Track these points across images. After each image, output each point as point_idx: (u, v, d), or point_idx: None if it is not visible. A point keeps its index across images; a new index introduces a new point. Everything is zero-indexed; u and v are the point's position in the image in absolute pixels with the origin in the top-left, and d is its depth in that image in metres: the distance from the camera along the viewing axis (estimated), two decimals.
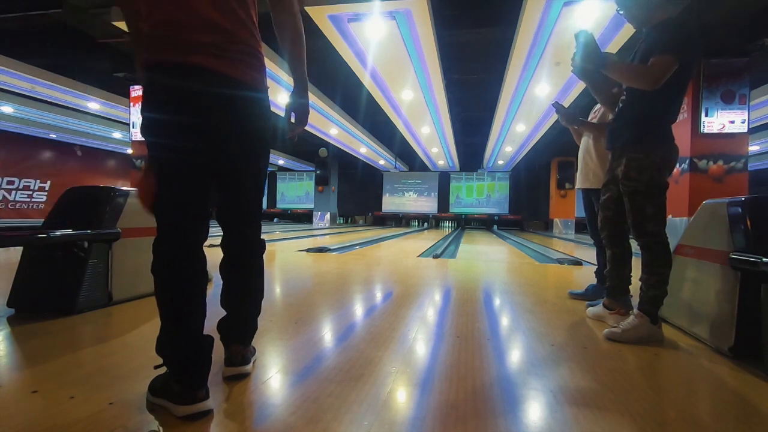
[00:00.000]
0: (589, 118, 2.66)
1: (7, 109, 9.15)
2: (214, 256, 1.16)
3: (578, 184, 2.68)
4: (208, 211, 1.12)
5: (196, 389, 1.01)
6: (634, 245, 1.99)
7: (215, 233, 1.18)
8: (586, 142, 2.61)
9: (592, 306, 2.21)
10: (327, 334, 1.77)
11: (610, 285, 2.08)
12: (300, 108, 1.31)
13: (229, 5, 1.08)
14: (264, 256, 1.32)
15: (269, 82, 1.26)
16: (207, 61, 1.04)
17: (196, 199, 1.08)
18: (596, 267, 2.64)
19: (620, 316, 1.93)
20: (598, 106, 2.58)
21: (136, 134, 7.22)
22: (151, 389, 1.09)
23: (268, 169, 1.33)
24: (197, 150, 1.06)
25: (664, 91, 1.62)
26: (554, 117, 7.47)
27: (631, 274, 2.26)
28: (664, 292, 1.74)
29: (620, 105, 1.85)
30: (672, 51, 1.56)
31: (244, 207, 1.23)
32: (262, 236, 1.31)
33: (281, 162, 17.38)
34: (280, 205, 19.16)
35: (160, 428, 0.97)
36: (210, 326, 1.17)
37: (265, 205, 19.17)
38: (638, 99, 1.73)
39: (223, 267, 1.28)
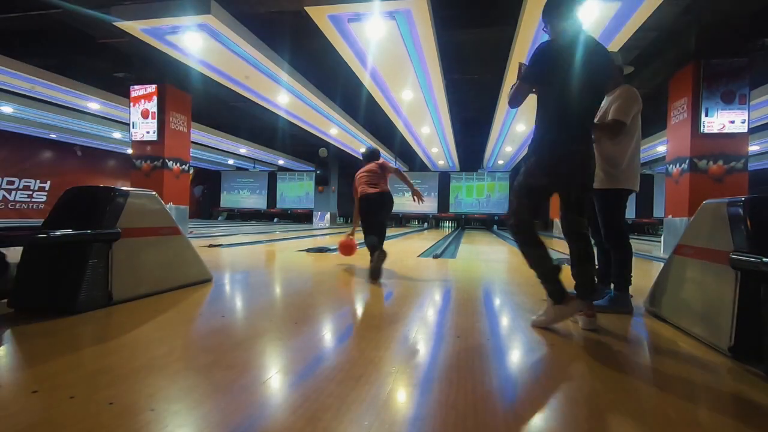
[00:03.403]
0: None
1: (7, 109, 9.14)
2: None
3: None
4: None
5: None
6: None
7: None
8: None
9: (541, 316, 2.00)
10: (327, 334, 1.77)
11: (576, 284, 1.96)
12: None
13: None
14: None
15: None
16: None
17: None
18: (597, 267, 2.63)
19: (587, 318, 1.89)
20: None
21: (136, 134, 6.97)
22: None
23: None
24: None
25: (540, 98, 1.88)
26: None
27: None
28: (538, 270, 1.89)
29: None
30: (522, 77, 1.85)
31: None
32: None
33: (281, 162, 17.35)
34: (280, 205, 19.14)
35: None
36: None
37: (264, 205, 19.19)
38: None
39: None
